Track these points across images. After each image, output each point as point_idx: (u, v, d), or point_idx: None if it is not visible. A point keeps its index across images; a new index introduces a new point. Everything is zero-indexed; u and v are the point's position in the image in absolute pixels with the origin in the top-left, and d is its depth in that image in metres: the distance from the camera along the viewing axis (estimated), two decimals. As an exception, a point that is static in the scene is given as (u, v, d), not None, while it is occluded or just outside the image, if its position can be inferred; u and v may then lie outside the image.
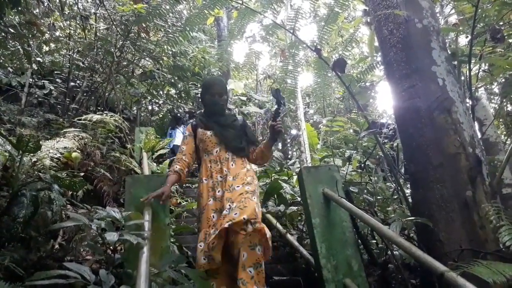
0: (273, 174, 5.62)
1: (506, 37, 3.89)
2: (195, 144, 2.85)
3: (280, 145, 13.45)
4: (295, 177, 5.55)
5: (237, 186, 2.50)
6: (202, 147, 2.78)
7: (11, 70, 7.81)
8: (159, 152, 7.43)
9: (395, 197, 4.42)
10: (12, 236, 2.93)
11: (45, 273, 1.82)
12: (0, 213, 3.10)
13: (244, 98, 11.83)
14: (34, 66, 7.41)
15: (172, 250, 3.15)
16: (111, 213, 2.41)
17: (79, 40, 8.43)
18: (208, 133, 2.76)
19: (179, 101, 11.61)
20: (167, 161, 7.56)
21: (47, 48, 8.67)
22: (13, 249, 2.95)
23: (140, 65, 9.50)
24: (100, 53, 8.13)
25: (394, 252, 3.25)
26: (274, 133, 2.64)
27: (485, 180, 2.75)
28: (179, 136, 8.94)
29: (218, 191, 2.57)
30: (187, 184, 7.83)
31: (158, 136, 7.94)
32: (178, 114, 9.51)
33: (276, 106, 2.65)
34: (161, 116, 12.41)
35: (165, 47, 8.06)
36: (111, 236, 2.10)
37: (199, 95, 10.56)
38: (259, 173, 5.73)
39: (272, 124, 2.62)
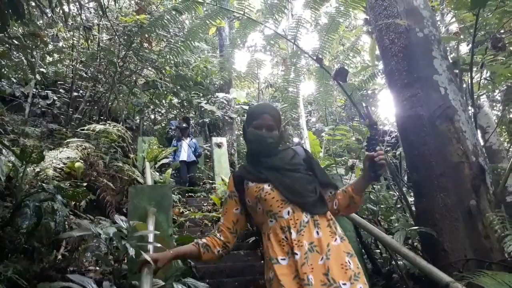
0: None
1: (507, 45, 3.91)
2: (242, 207, 1.90)
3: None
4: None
5: (343, 284, 1.57)
6: (262, 209, 1.79)
7: (15, 80, 7.86)
8: (161, 162, 7.44)
9: (399, 205, 4.40)
10: (15, 247, 2.94)
11: (49, 285, 1.82)
12: (3, 224, 3.11)
13: (246, 107, 11.88)
14: (38, 76, 7.46)
15: (175, 261, 3.13)
16: (118, 222, 2.41)
17: (82, 50, 8.50)
18: (266, 187, 1.79)
19: (182, 110, 11.65)
20: (169, 170, 7.56)
21: (50, 59, 8.74)
22: (16, 260, 2.95)
23: (143, 75, 9.56)
24: (103, 63, 8.19)
25: (398, 262, 3.24)
26: (375, 169, 1.74)
27: (489, 189, 2.74)
28: (184, 149, 8.53)
29: (310, 281, 1.56)
30: (189, 194, 7.82)
31: (160, 145, 7.95)
32: (184, 124, 9.17)
33: (369, 131, 1.92)
34: (163, 125, 12.45)
35: (168, 57, 8.09)
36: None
37: (201, 105, 10.73)
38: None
39: (370, 155, 1.75)
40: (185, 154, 8.50)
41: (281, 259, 1.65)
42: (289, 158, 1.91)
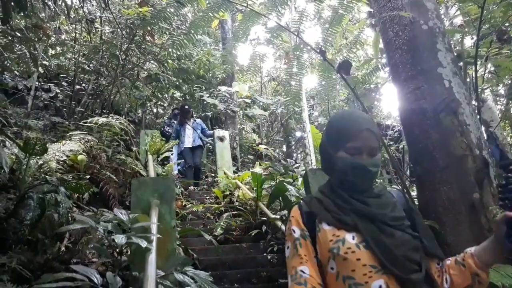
0: (278, 177, 5.63)
1: (512, 38, 3.87)
2: (316, 254, 1.28)
3: (284, 148, 13.43)
4: (300, 180, 5.55)
5: None
6: (337, 271, 1.21)
7: (17, 73, 7.88)
8: (164, 155, 7.45)
9: (401, 199, 4.38)
10: (19, 239, 2.96)
11: (53, 276, 1.84)
12: (7, 216, 3.13)
13: (249, 101, 11.84)
14: (40, 69, 7.46)
15: (178, 252, 3.15)
16: (118, 215, 2.42)
17: (84, 43, 8.49)
18: (350, 239, 1.21)
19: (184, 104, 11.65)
20: (172, 164, 7.56)
21: (53, 52, 8.72)
22: (20, 252, 2.97)
23: (145, 68, 9.54)
24: (105, 56, 8.18)
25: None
26: None
27: (493, 182, 2.73)
28: (188, 134, 8.23)
29: None
30: (191, 187, 7.84)
31: (163, 139, 7.94)
32: (186, 106, 8.63)
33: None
34: (166, 118, 12.46)
35: (170, 50, 8.09)
36: (119, 239, 2.10)
37: (203, 98, 10.70)
38: (264, 176, 5.73)
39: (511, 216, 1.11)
40: (189, 139, 8.24)
41: None
42: (391, 206, 1.30)
